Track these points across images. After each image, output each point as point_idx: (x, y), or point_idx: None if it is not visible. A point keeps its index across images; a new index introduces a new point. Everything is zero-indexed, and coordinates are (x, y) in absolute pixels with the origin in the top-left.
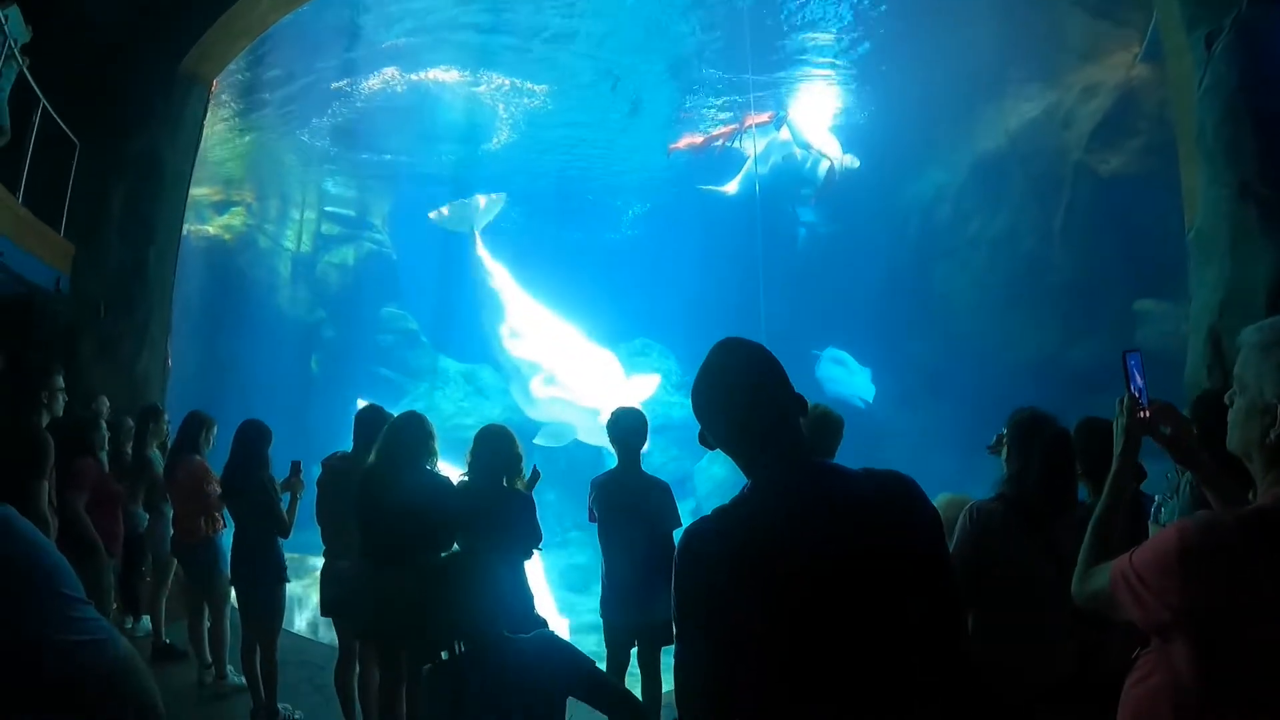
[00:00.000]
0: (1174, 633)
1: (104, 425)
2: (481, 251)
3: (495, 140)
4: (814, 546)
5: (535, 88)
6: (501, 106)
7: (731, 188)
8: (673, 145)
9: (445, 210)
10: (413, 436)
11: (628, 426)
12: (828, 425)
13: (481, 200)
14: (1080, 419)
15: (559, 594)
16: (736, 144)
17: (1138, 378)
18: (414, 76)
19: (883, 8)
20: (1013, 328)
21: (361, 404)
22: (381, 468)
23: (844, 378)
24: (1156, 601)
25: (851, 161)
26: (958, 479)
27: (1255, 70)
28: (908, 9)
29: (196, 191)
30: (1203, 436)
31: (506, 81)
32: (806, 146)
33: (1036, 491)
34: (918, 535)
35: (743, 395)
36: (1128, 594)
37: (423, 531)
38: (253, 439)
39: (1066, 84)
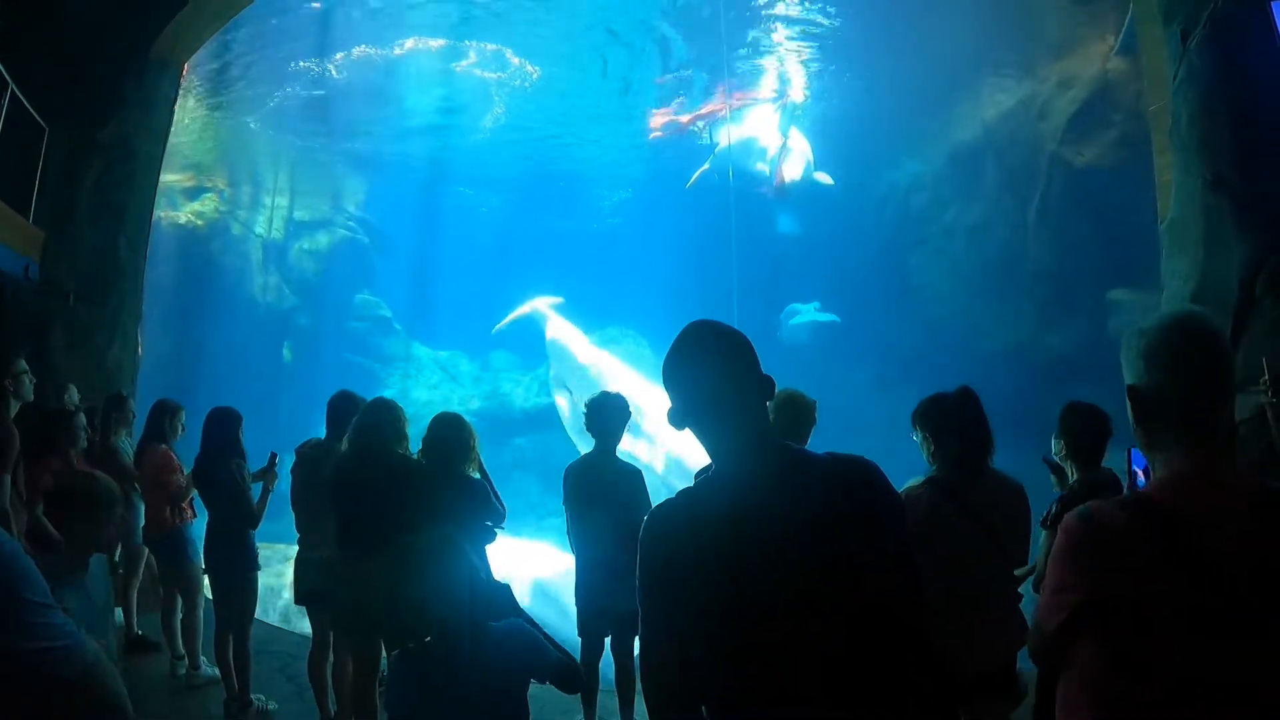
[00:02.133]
0: (1078, 623)
1: (81, 418)
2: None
3: (480, 121)
4: (776, 528)
5: (516, 60)
6: (480, 85)
7: (704, 168)
8: (653, 125)
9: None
10: (384, 422)
11: (609, 413)
12: (799, 409)
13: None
14: (1066, 402)
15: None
16: (704, 134)
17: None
18: (390, 52)
19: None
20: (987, 315)
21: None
22: (355, 454)
23: (803, 312)
24: (1065, 599)
25: (824, 178)
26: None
27: (1230, 64)
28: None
29: (168, 178)
30: None
31: (488, 50)
32: (783, 149)
33: (958, 465)
34: (879, 519)
35: (711, 375)
36: (1047, 610)
37: (398, 516)
38: (221, 425)
39: (1042, 76)
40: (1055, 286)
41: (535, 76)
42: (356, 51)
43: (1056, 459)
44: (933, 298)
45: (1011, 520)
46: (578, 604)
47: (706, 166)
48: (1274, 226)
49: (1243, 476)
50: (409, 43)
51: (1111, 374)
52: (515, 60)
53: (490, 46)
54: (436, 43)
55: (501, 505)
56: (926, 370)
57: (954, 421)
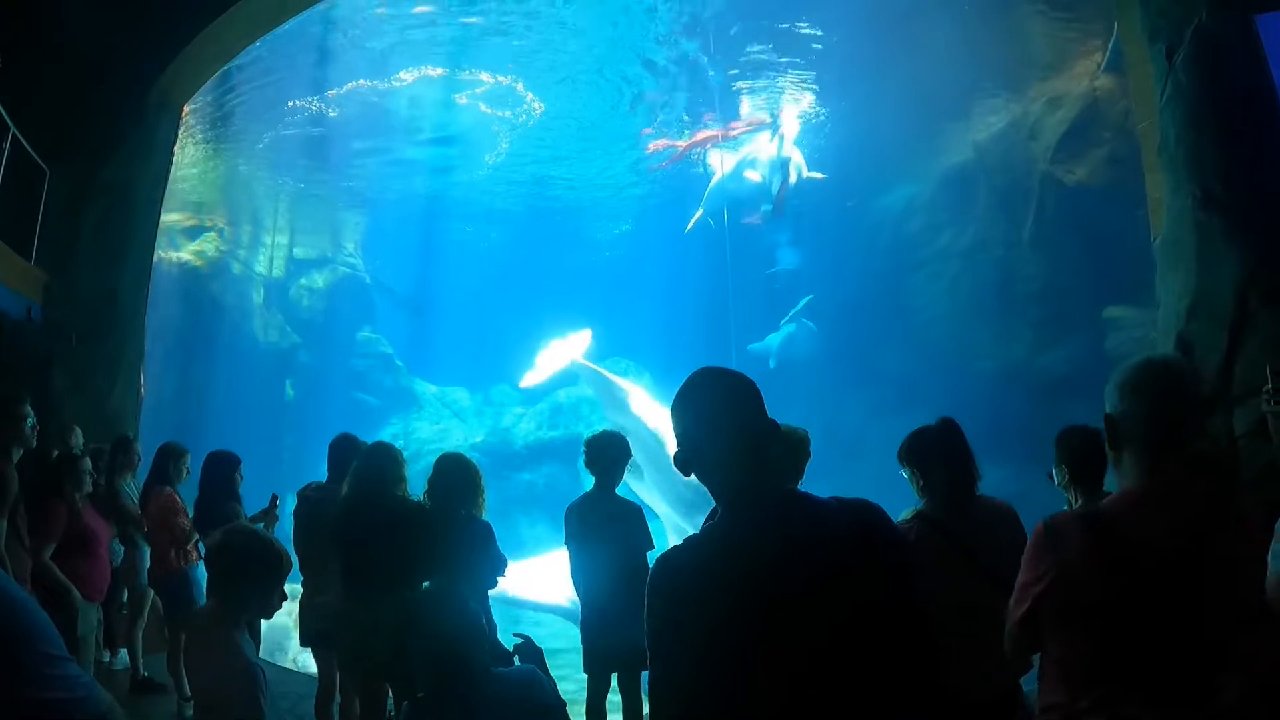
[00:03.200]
0: (1040, 614)
1: (87, 462)
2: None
3: (482, 156)
4: (784, 576)
5: (517, 89)
6: (482, 120)
7: (699, 214)
8: (649, 150)
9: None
10: (384, 466)
11: (607, 452)
12: (793, 445)
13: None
14: (1063, 428)
15: (538, 615)
16: (700, 164)
17: None
18: (389, 85)
19: (848, 24)
20: (984, 337)
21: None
22: (356, 498)
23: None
24: (1028, 593)
25: (817, 175)
26: None
27: (1215, 80)
28: (874, 24)
29: (168, 218)
30: None
31: (488, 82)
32: (784, 164)
33: (945, 498)
34: (886, 567)
35: (719, 423)
36: (1014, 603)
37: (401, 560)
38: (219, 468)
39: (1031, 95)
40: (1051, 306)
41: (538, 112)
42: (353, 86)
43: (1059, 487)
44: (929, 321)
45: (1004, 546)
46: (583, 642)
47: (701, 213)
48: (1266, 240)
49: (1192, 495)
50: (408, 76)
51: None
52: (516, 89)
53: (489, 78)
54: (436, 71)
55: (502, 555)
56: (925, 393)
57: (937, 455)
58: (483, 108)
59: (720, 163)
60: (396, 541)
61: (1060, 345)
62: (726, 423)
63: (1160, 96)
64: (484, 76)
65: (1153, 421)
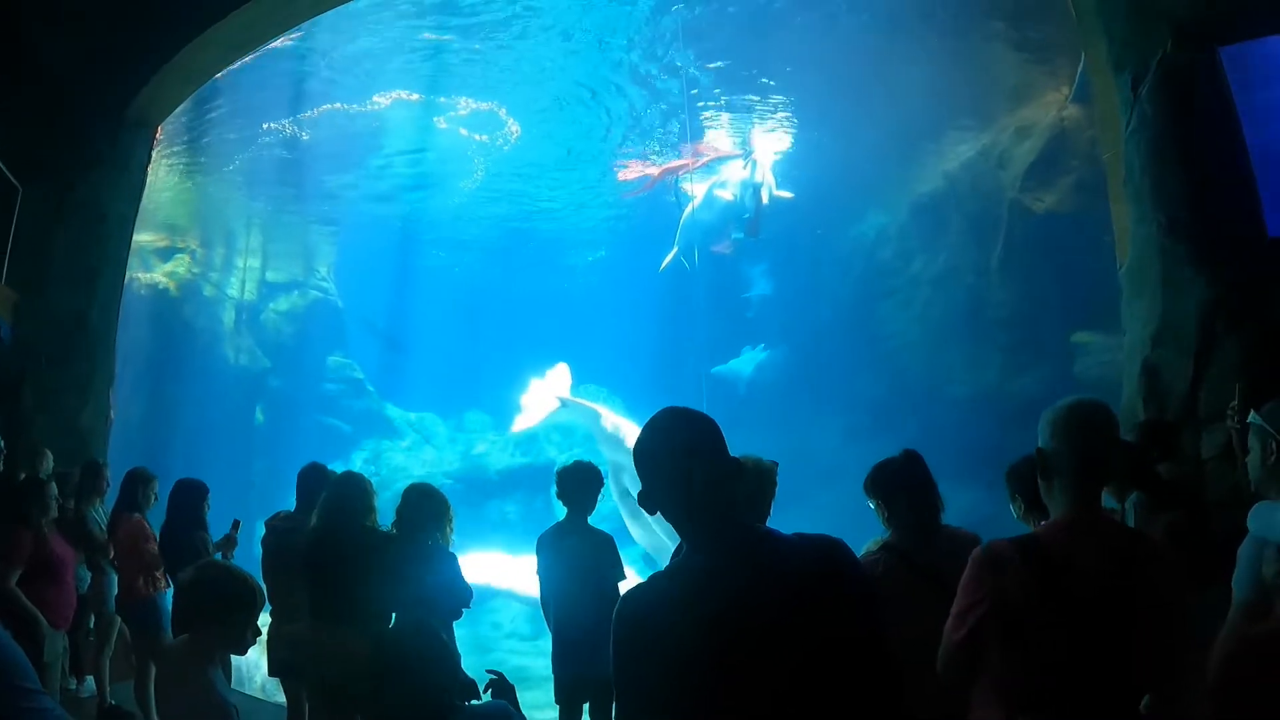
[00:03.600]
0: (978, 636)
1: (53, 487)
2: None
3: (458, 183)
4: (748, 613)
5: (493, 114)
6: (458, 144)
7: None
8: (622, 178)
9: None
10: (353, 497)
11: (578, 481)
12: (762, 478)
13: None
14: (1011, 463)
15: (510, 643)
16: (672, 192)
17: None
18: (364, 108)
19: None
20: (955, 362)
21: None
22: (325, 528)
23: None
24: (967, 618)
25: (785, 194)
26: None
27: (1179, 110)
28: (846, 57)
29: (140, 238)
30: (1143, 458)
31: (465, 107)
32: (757, 188)
33: (910, 529)
34: (850, 603)
35: (682, 463)
36: (953, 627)
37: (370, 591)
38: (186, 497)
39: (1001, 125)
40: (1020, 331)
41: (515, 136)
42: (328, 109)
43: (1019, 520)
44: (901, 347)
45: None
46: (554, 672)
47: (675, 251)
48: (1229, 269)
49: (1113, 523)
50: (383, 100)
51: None
52: (498, 114)
53: (466, 102)
54: (413, 96)
55: (468, 587)
56: (898, 419)
57: (900, 486)
58: (462, 131)
59: (693, 194)
60: (365, 573)
61: (1030, 370)
62: (687, 464)
63: (1126, 127)
64: (461, 101)
65: (1078, 457)
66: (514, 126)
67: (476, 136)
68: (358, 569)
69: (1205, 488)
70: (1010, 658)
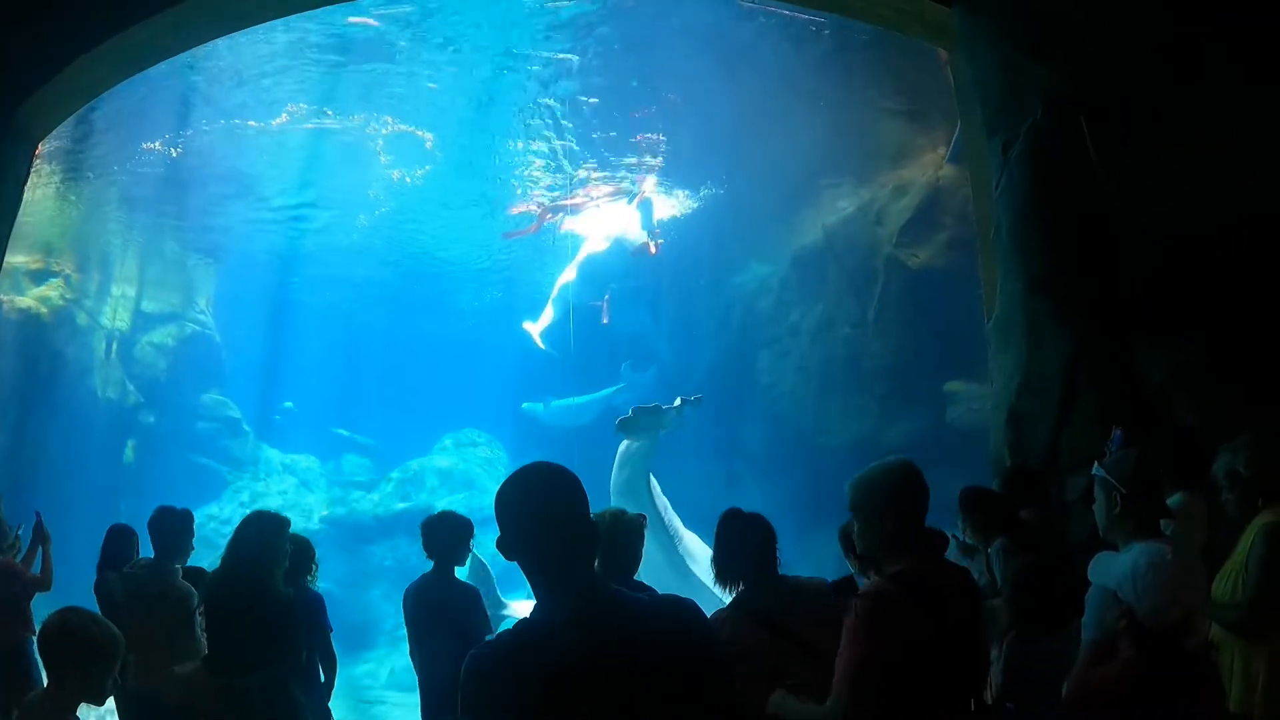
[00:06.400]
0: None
1: None
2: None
3: (350, 218)
4: (598, 675)
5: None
6: (347, 178)
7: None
8: (512, 212)
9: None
10: (271, 546)
11: (446, 532)
12: (629, 532)
13: None
14: (962, 488)
15: (389, 693)
16: (559, 230)
17: None
18: (252, 132)
19: (703, 113)
20: (833, 411)
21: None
22: (230, 576)
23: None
24: (868, 662)
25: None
26: (789, 559)
27: (1045, 175)
28: (729, 112)
29: (13, 259)
30: (1007, 504)
31: (353, 133)
32: (651, 228)
33: (756, 582)
34: (696, 663)
35: (535, 521)
36: (851, 676)
37: (272, 644)
38: None
39: (879, 183)
40: (895, 381)
41: (410, 177)
42: (212, 132)
43: (967, 540)
44: (780, 396)
45: (818, 621)
46: None
47: (551, 314)
48: (1090, 326)
49: (947, 569)
50: (272, 123)
51: (951, 461)
52: (391, 141)
53: (356, 128)
54: (305, 124)
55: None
56: (780, 466)
57: (743, 541)
58: (378, 159)
59: (584, 235)
60: (269, 628)
61: (905, 418)
62: (539, 524)
63: (996, 187)
64: (353, 127)
65: (897, 514)
66: (411, 172)
67: (372, 169)
68: (264, 626)
69: (1069, 530)
70: (897, 690)
